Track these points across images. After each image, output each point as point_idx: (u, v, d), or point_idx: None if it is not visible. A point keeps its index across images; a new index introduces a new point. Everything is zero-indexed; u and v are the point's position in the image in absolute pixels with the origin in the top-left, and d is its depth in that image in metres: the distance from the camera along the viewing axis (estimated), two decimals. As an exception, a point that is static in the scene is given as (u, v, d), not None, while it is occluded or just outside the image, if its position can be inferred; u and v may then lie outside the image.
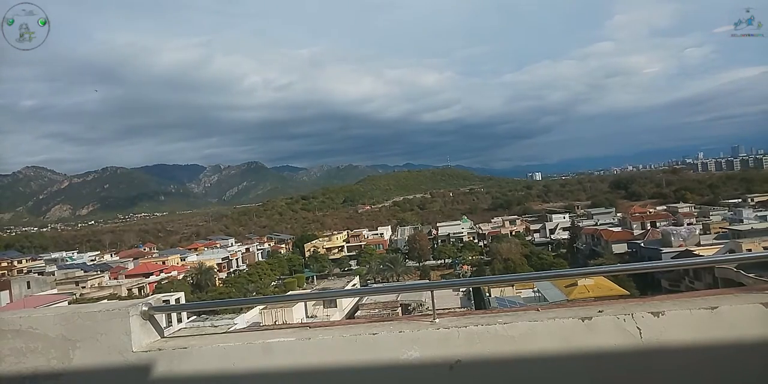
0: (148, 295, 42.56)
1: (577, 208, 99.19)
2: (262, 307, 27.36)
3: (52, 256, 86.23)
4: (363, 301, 30.68)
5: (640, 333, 1.61)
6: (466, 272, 59.06)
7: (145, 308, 1.91)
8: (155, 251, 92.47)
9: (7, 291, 42.76)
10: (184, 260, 73.74)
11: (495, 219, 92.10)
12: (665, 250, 43.26)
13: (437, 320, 1.81)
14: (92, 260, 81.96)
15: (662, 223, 58.32)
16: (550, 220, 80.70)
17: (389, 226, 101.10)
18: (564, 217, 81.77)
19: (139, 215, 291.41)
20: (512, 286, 30.70)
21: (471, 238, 79.82)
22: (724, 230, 45.61)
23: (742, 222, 50.36)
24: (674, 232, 45.83)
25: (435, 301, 1.93)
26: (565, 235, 71.85)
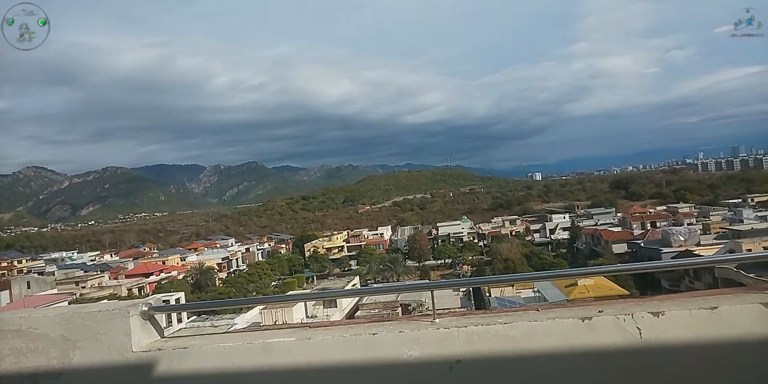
0: (148, 295, 42.55)
1: (577, 208, 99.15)
2: (262, 307, 27.35)
3: (52, 256, 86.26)
4: (363, 301, 30.68)
5: (640, 333, 1.61)
6: (466, 272, 59.02)
7: (145, 308, 1.91)
8: (155, 251, 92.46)
9: (7, 291, 42.77)
10: (184, 260, 73.73)
11: (495, 219, 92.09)
12: (665, 250, 43.24)
13: (437, 320, 1.81)
14: (92, 260, 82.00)
15: (662, 223, 58.32)
16: (550, 220, 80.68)
17: (389, 226, 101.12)
18: (564, 217, 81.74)
19: (139, 215, 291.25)
20: (512, 286, 30.72)
21: (471, 238, 79.80)
22: (724, 230, 45.60)
23: (742, 222, 50.37)
24: (674, 232, 45.83)
25: (435, 301, 1.93)
26: (565, 235, 71.84)
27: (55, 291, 46.67)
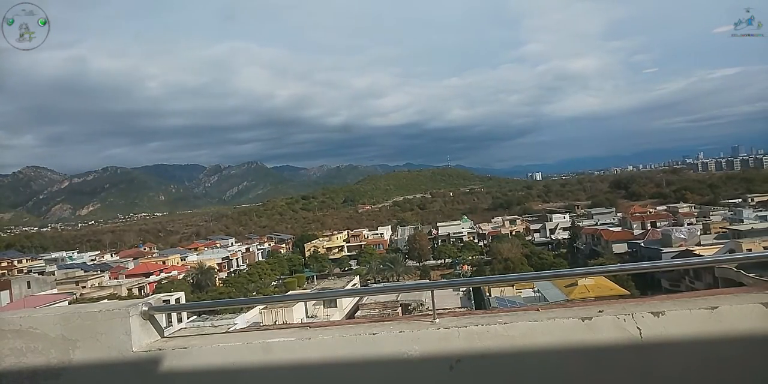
0: (148, 295, 42.55)
1: (577, 208, 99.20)
2: (262, 307, 27.30)
3: (52, 256, 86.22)
4: (363, 301, 30.67)
5: (640, 333, 1.61)
6: (466, 272, 59.01)
7: (145, 308, 1.91)
8: (155, 251, 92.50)
9: (7, 291, 42.75)
10: (184, 260, 73.73)
11: (495, 219, 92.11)
12: (665, 250, 43.28)
13: (437, 320, 1.81)
14: (92, 260, 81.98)
15: (662, 223, 58.38)
16: (550, 220, 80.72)
17: (389, 226, 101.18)
18: (564, 217, 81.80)
19: (139, 215, 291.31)
20: (512, 286, 30.73)
21: (471, 238, 79.83)
22: (724, 230, 45.63)
23: (742, 222, 50.41)
24: (674, 232, 45.85)
25: (435, 301, 1.93)
26: (565, 235, 71.89)
27: (55, 291, 46.68)
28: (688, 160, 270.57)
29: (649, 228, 56.12)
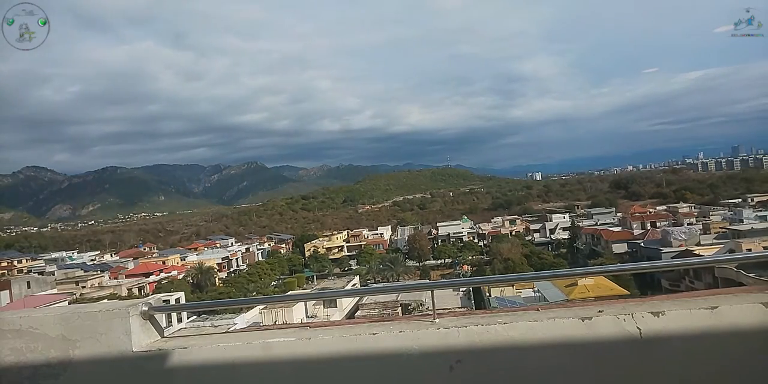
0: (148, 295, 42.54)
1: (577, 208, 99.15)
2: (262, 307, 27.35)
3: (52, 256, 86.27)
4: (363, 301, 30.68)
5: (640, 333, 1.61)
6: (466, 272, 59.02)
7: (145, 308, 1.91)
8: (155, 251, 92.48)
9: (7, 291, 42.74)
10: (184, 260, 73.73)
11: (495, 219, 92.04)
12: (665, 250, 43.27)
13: (437, 320, 1.81)
14: (92, 260, 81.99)
15: (662, 223, 58.34)
16: (550, 220, 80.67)
17: (389, 226, 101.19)
18: (564, 217, 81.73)
19: (139, 215, 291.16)
20: (512, 286, 30.72)
21: (471, 238, 79.80)
22: (724, 230, 45.57)
23: (742, 222, 50.36)
24: (674, 232, 45.84)
25: (435, 301, 1.93)
26: (565, 235, 71.85)
27: (55, 291, 46.67)
28: (688, 160, 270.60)
29: (649, 228, 56.09)
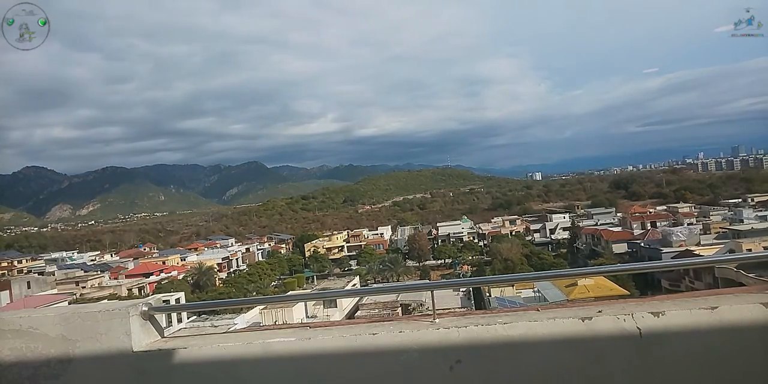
0: (148, 295, 42.58)
1: (577, 208, 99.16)
2: (262, 307, 27.38)
3: (52, 256, 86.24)
4: (363, 301, 30.69)
5: (640, 333, 1.61)
6: (466, 272, 59.04)
7: (145, 308, 1.91)
8: (155, 251, 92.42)
9: (7, 291, 42.71)
10: (184, 260, 73.72)
11: (495, 219, 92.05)
12: (665, 250, 43.28)
13: (437, 320, 1.81)
14: (92, 260, 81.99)
15: (662, 223, 58.36)
16: (550, 220, 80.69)
17: (389, 226, 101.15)
18: (564, 217, 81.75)
19: (139, 215, 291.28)
20: (512, 286, 30.69)
21: (471, 238, 79.80)
22: (724, 230, 45.59)
23: (742, 222, 50.42)
24: (674, 232, 45.84)
25: (435, 301, 1.93)
26: (565, 235, 71.86)
27: (55, 291, 46.69)
28: (688, 160, 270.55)
29: (649, 228, 56.11)
